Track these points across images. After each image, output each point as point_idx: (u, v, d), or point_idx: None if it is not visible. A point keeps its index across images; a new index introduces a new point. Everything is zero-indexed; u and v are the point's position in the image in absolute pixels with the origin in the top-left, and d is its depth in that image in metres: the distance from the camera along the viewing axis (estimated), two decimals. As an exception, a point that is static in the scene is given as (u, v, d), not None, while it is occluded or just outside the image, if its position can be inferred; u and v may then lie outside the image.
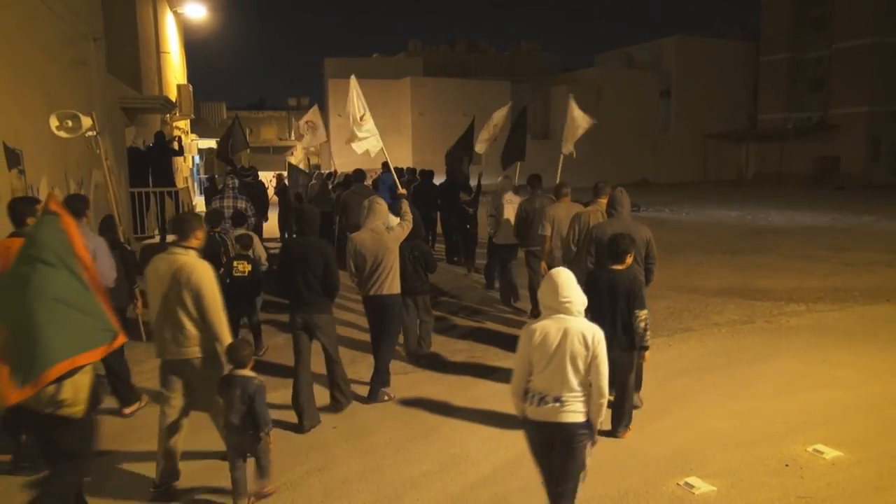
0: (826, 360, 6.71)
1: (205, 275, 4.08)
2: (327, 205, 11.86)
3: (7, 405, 3.19)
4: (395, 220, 6.15)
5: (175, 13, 21.94)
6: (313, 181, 14.71)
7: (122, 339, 3.59)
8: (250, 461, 4.06)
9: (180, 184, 16.43)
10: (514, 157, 11.46)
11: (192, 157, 28.58)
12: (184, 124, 23.57)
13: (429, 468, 4.54)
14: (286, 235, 15.31)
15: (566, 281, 3.32)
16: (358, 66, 41.05)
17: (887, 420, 5.20)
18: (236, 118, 15.44)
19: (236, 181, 9.94)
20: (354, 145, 7.95)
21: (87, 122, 6.73)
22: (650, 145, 40.96)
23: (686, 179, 40.32)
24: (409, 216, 6.17)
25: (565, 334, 3.26)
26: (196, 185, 29.71)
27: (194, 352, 4.12)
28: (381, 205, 6.01)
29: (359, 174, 11.35)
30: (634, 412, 5.21)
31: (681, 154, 41.52)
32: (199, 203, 21.96)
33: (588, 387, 3.29)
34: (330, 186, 14.09)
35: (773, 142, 39.69)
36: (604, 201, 6.34)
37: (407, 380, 6.38)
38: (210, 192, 16.10)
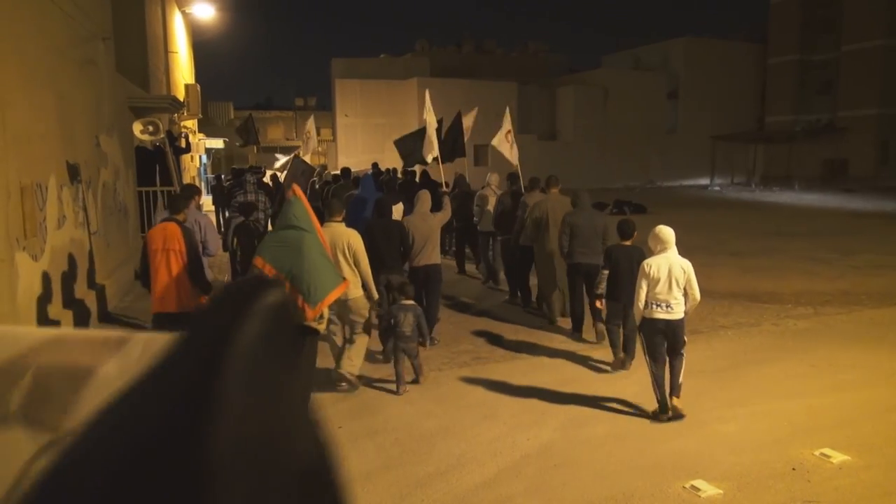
0: (834, 364, 6.68)
1: (356, 238, 5.96)
2: (316, 199, 13.06)
3: (307, 321, 4.75)
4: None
5: (183, 13, 22.03)
6: (313, 178, 15.19)
7: (347, 282, 5.22)
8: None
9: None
10: (452, 156, 12.93)
11: (200, 157, 28.67)
12: (191, 124, 23.64)
13: (434, 469, 4.54)
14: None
15: (667, 234, 5.35)
16: (365, 67, 41.16)
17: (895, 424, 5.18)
18: (250, 116, 16.14)
19: (255, 178, 11.28)
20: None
21: (163, 127, 7.92)
22: (657, 147, 40.85)
23: (693, 181, 40.22)
24: (448, 208, 7.99)
25: (671, 265, 5.27)
26: (203, 184, 29.78)
27: (353, 292, 5.79)
28: (427, 195, 7.73)
29: (345, 171, 13.66)
30: (643, 417, 5.23)
31: (688, 156, 41.40)
32: (207, 202, 22.01)
33: (684, 296, 5.28)
34: (318, 185, 15.00)
35: (781, 144, 39.56)
36: (555, 191, 8.38)
37: (413, 380, 6.39)
38: (218, 191, 16.20)
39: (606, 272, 6.32)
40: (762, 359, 6.91)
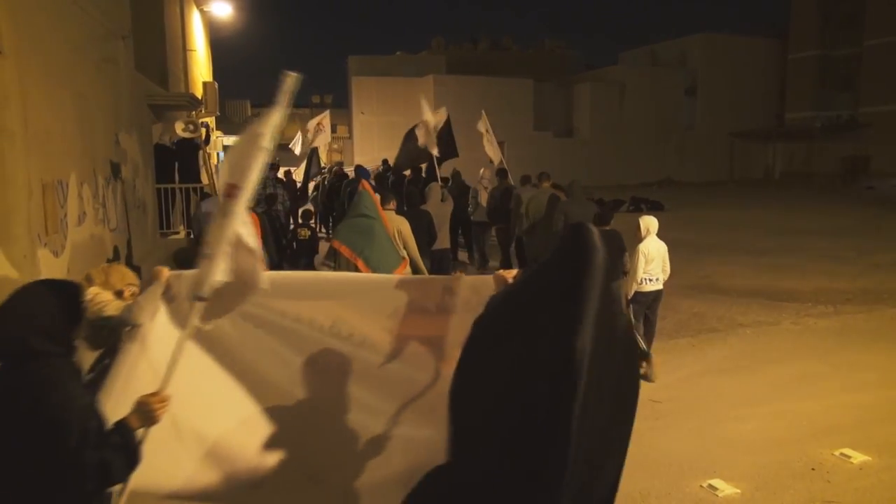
0: (854, 363, 6.60)
1: (406, 225, 6.54)
2: (323, 194, 14.95)
3: None
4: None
5: (201, 11, 22.19)
6: (324, 175, 16.37)
7: (406, 261, 6.03)
8: None
9: (206, 180, 16.61)
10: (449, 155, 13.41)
11: (217, 154, 28.89)
12: (209, 121, 23.82)
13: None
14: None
15: (654, 223, 6.48)
16: (381, 64, 41.22)
17: (917, 425, 5.11)
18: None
19: (272, 174, 12.85)
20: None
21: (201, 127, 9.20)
22: (675, 144, 40.52)
23: (711, 178, 39.83)
24: (451, 199, 8.93)
25: (659, 247, 6.42)
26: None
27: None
28: (437, 187, 8.75)
29: (361, 170, 14.66)
30: (657, 413, 5.22)
31: (706, 153, 41.02)
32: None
33: (663, 272, 6.51)
34: (327, 182, 15.85)
35: (800, 141, 39.08)
36: (546, 185, 9.29)
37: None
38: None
39: None
40: (781, 358, 6.84)
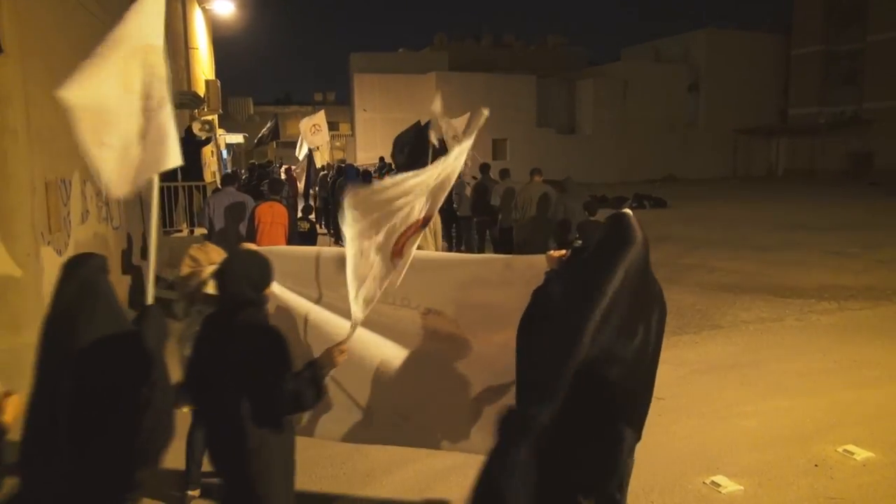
0: (858, 360, 6.59)
1: (437, 219, 6.57)
2: (324, 190, 15.68)
3: None
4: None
5: (203, 9, 22.18)
6: (324, 171, 16.77)
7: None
8: None
9: (209, 178, 16.63)
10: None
11: (220, 152, 28.91)
12: (212, 119, 23.83)
13: (453, 462, 4.54)
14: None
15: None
16: (383, 61, 41.14)
17: (921, 421, 5.10)
18: (276, 117, 17.25)
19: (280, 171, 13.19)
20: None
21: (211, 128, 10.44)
22: (678, 140, 40.42)
23: (714, 175, 39.76)
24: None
25: None
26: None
27: None
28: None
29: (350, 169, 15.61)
30: (661, 409, 5.22)
31: (709, 149, 40.92)
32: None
33: None
34: (329, 178, 16.31)
35: (804, 137, 38.96)
36: (538, 179, 9.65)
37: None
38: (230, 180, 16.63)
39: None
40: (784, 354, 6.83)
